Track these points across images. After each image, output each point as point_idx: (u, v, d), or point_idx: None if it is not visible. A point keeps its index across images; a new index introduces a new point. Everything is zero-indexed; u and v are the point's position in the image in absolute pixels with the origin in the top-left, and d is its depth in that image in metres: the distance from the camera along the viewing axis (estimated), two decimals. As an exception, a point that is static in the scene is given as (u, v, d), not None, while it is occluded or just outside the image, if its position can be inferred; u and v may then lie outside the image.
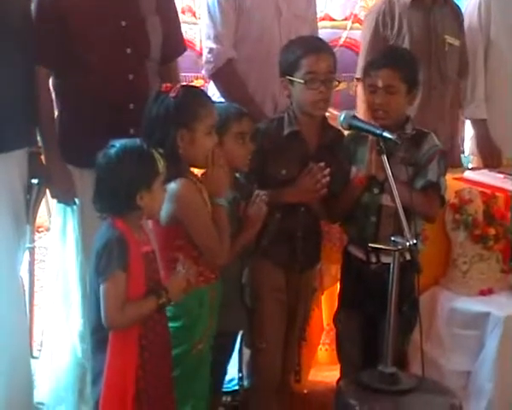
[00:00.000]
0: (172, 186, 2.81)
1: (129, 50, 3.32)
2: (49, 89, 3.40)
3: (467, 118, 4.50)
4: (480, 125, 4.41)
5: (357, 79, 4.13)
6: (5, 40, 3.15)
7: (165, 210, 2.79)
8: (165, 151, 2.72)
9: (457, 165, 4.29)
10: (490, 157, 4.37)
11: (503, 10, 4.35)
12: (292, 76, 3.27)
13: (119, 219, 2.64)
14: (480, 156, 4.44)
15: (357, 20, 4.58)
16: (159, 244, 2.83)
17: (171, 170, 2.78)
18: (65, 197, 3.43)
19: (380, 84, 3.25)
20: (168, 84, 2.94)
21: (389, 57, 3.35)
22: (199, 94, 3.01)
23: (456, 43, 4.18)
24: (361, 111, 3.91)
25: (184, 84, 3.11)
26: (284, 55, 3.35)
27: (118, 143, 2.66)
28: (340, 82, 3.43)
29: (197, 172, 3.01)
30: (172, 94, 2.87)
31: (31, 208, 3.36)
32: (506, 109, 4.34)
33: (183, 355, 2.86)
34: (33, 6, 3.34)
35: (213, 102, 3.05)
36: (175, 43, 3.58)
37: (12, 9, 3.20)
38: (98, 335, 2.65)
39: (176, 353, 2.84)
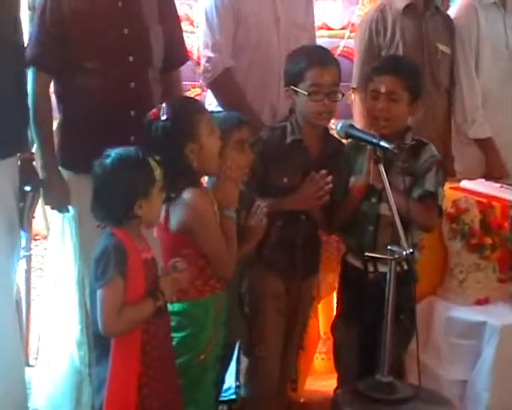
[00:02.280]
0: (185, 195, 2.81)
1: (131, 58, 3.33)
2: (48, 95, 3.41)
3: (472, 138, 4.40)
4: (487, 145, 4.30)
5: (353, 89, 4.13)
6: None
7: (176, 218, 2.81)
8: (178, 168, 2.72)
9: (450, 173, 4.26)
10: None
11: (491, 31, 4.30)
12: (296, 87, 3.27)
13: (117, 229, 2.64)
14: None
15: (354, 29, 4.54)
16: (165, 252, 2.82)
17: (183, 182, 2.79)
18: (58, 204, 3.42)
19: (382, 89, 3.24)
20: (154, 110, 2.93)
21: (393, 64, 3.35)
22: (185, 102, 3.03)
23: (448, 51, 4.18)
24: (357, 120, 3.92)
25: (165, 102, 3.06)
26: (289, 66, 3.34)
27: (113, 153, 2.65)
28: (343, 94, 3.38)
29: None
30: (163, 117, 2.87)
31: (25, 216, 3.33)
32: (497, 125, 4.32)
33: (185, 365, 2.86)
34: (36, 13, 3.35)
35: (198, 100, 3.07)
36: (177, 53, 3.59)
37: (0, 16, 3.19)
38: (102, 343, 2.65)
39: (179, 362, 2.83)
